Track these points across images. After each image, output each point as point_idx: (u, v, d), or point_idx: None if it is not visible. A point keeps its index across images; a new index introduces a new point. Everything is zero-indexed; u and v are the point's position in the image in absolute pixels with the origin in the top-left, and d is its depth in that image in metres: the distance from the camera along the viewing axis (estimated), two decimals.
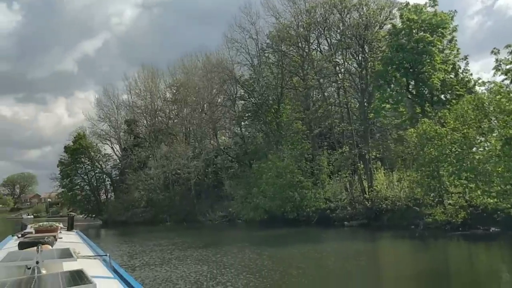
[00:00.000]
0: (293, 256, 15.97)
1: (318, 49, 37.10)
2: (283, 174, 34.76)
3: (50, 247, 4.22)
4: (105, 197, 62.04)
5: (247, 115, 44.51)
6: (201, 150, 49.70)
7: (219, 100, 49.35)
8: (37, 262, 2.97)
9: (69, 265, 3.20)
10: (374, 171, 32.00)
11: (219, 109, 49.39)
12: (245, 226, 36.76)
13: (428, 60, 29.52)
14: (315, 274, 12.16)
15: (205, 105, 50.00)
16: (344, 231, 28.15)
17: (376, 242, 22.82)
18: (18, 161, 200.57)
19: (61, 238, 5.79)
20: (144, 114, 58.69)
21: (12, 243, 5.56)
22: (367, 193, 30.80)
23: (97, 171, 61.11)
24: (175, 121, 57.35)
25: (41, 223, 6.71)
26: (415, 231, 23.42)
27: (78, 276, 2.39)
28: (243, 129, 46.77)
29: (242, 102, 45.52)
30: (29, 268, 3.03)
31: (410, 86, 31.88)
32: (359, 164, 31.83)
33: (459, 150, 23.74)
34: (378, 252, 18.89)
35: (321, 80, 36.96)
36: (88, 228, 47.54)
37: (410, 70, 30.87)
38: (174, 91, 55.78)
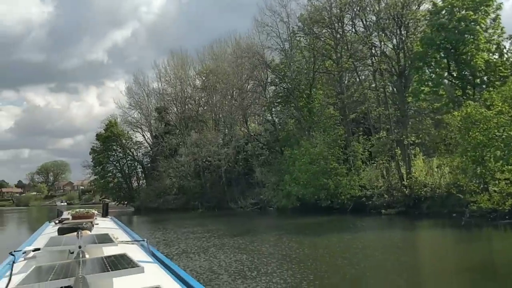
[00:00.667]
0: (334, 245, 15.25)
1: (353, 29, 35.75)
2: (317, 160, 33.90)
3: (89, 232, 4.25)
4: (136, 184, 62.72)
5: (278, 101, 43.64)
6: (231, 137, 49.26)
7: (249, 86, 48.62)
8: (79, 247, 3.01)
9: (109, 250, 3.24)
10: (412, 157, 30.79)
11: (249, 95, 48.67)
12: (277, 213, 36.22)
13: (471, 40, 27.98)
14: (362, 264, 11.39)
15: (235, 91, 49.39)
16: (382, 219, 27.19)
17: (418, 231, 21.82)
18: (52, 149, 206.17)
19: (97, 224, 5.87)
20: (174, 102, 58.68)
21: (50, 229, 5.61)
22: (405, 180, 29.63)
23: (128, 158, 61.74)
24: (205, 108, 57.13)
25: (77, 210, 6.91)
26: (458, 219, 22.27)
27: (123, 260, 2.40)
28: (274, 115, 45.94)
29: (273, 87, 44.62)
30: (72, 253, 3.07)
31: (451, 68, 30.37)
32: (396, 150, 30.61)
33: (507, 134, 22.33)
34: (422, 242, 17.95)
35: (356, 63, 35.68)
36: (120, 214, 47.93)
37: (452, 50, 29.35)
38: (204, 78, 55.40)
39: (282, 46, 41.79)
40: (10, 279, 2.54)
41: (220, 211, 41.83)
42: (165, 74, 58.66)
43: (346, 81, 39.10)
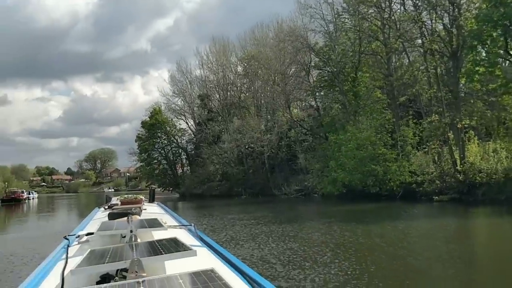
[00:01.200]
0: (389, 234, 14.51)
1: (402, 8, 34.13)
2: (364, 146, 32.89)
3: (138, 217, 4.33)
4: (181, 170, 63.57)
5: (322, 85, 42.58)
6: (274, 123, 48.76)
7: (292, 70, 47.78)
8: (131, 231, 3.06)
9: (159, 234, 3.28)
10: (466, 141, 29.23)
11: (292, 81, 47.87)
12: (322, 200, 35.58)
13: None
14: (424, 255, 10.66)
15: (277, 76, 48.67)
16: (434, 206, 26.02)
17: (476, 219, 20.62)
18: (99, 137, 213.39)
19: (145, 209, 5.94)
20: (217, 88, 58.75)
21: (101, 214, 5.74)
22: (458, 165, 28.20)
23: (173, 145, 62.63)
24: (247, 94, 56.86)
25: (125, 196, 7.10)
26: None
27: (175, 244, 2.45)
28: (317, 100, 44.97)
29: (317, 71, 43.56)
30: (124, 237, 3.14)
31: (509, 47, 28.39)
32: (449, 134, 29.13)
33: None
34: (482, 230, 16.87)
35: (405, 44, 34.11)
36: (166, 200, 48.68)
37: (510, 27, 27.39)
38: (245, 64, 54.94)
39: (326, 28, 40.60)
40: (66, 262, 2.62)
41: (264, 197, 41.59)
42: (207, 61, 58.82)
43: (394, 63, 37.57)
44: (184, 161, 64.29)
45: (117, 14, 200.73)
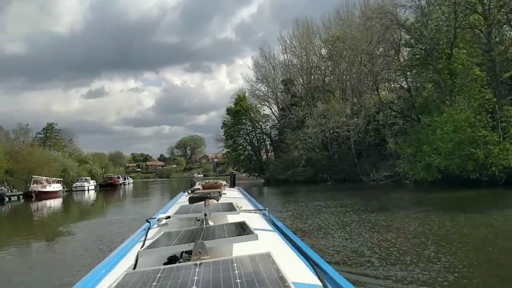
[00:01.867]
0: (499, 224, 12.72)
1: None
2: (462, 128, 30.14)
3: (215, 201, 4.56)
4: (265, 156, 63.70)
5: (413, 64, 39.72)
6: (361, 106, 46.80)
7: (380, 50, 45.21)
8: (205, 215, 3.23)
9: (232, 218, 3.39)
10: None
11: (380, 61, 45.35)
12: (414, 187, 33.36)
13: None
14: None
15: (364, 57, 46.43)
16: None
17: None
18: (189, 125, 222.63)
19: (225, 193, 6.27)
20: (300, 73, 57.72)
21: (183, 198, 6.23)
22: None
23: (257, 131, 62.87)
24: (332, 77, 55.14)
25: (207, 181, 7.56)
26: None
27: (241, 227, 2.52)
28: (409, 80, 42.15)
29: (408, 50, 40.72)
30: (199, 220, 3.30)
31: None
32: None
33: None
34: None
35: (509, 15, 30.55)
36: (251, 186, 48.99)
37: None
38: (330, 46, 53.14)
39: (417, 3, 37.64)
40: (144, 243, 2.82)
41: (351, 184, 40.06)
42: (290, 45, 57.92)
43: (495, 37, 33.92)
44: (268, 146, 64.35)
45: (202, 4, 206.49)
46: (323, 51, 55.59)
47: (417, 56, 38.49)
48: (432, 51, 36.36)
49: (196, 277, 1.61)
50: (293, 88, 58.22)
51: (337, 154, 48.48)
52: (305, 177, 49.05)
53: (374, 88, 45.31)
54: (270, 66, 60.32)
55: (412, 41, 38.67)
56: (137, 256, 2.27)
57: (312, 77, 57.02)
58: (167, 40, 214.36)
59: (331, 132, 49.17)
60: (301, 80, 58.27)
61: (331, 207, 19.84)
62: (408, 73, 41.20)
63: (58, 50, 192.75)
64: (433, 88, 38.07)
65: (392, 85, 47.32)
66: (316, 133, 48.82)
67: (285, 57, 59.42)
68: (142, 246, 2.69)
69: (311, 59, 56.53)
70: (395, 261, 8.20)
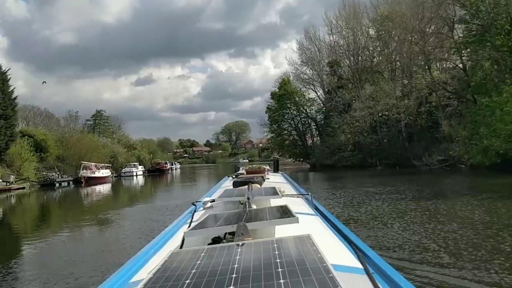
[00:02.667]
0: None
1: None
2: None
3: (259, 186, 4.63)
4: (311, 141, 62.49)
5: (469, 41, 37.25)
6: (412, 87, 44.64)
7: (432, 28, 42.76)
8: (248, 198, 3.34)
9: (275, 202, 3.46)
10: None
11: (432, 39, 42.97)
12: (471, 172, 31.47)
13: None
14: None
15: (415, 36, 44.13)
16: None
17: None
18: (234, 111, 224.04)
19: (268, 178, 6.32)
20: (347, 54, 55.84)
21: (228, 183, 6.38)
22: None
23: (302, 115, 61.65)
24: (380, 58, 52.99)
25: (250, 166, 7.68)
26: None
27: (283, 210, 2.58)
28: (464, 58, 39.63)
29: (463, 26, 38.19)
30: (242, 203, 3.44)
31: None
32: None
33: None
34: None
35: None
36: (296, 171, 48.20)
37: None
38: (378, 25, 50.91)
39: None
40: (190, 225, 3.00)
41: (402, 169, 38.40)
42: (336, 26, 56.00)
43: None
44: (313, 131, 63.02)
45: None
46: (371, 31, 53.43)
47: (473, 33, 36.03)
48: (490, 27, 33.89)
49: (238, 257, 1.66)
50: (339, 70, 56.48)
51: (386, 138, 46.68)
52: (353, 162, 47.62)
53: (426, 68, 43.05)
54: (315, 48, 58.74)
55: (468, 17, 36.23)
56: (183, 237, 2.38)
57: (360, 58, 55.06)
58: (212, 27, 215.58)
59: (380, 115, 47.40)
60: (347, 62, 56.41)
61: (383, 193, 18.75)
62: (463, 51, 38.70)
63: (107, 39, 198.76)
64: (491, 66, 35.64)
65: (445, 65, 44.76)
66: (364, 116, 47.17)
67: (331, 39, 57.68)
68: (188, 228, 2.80)
69: (358, 39, 54.51)
70: (467, 257, 7.20)
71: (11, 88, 43.24)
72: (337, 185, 25.82)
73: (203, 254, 1.78)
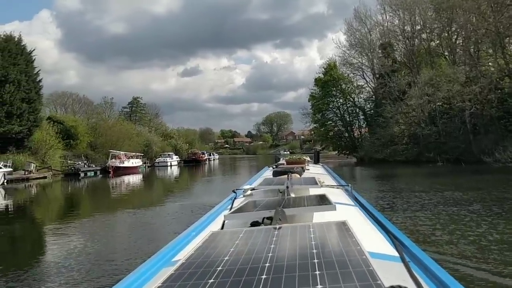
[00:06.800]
0: None
1: None
2: None
3: (298, 176, 4.75)
4: (358, 132, 56.97)
5: None
6: (479, 72, 38.49)
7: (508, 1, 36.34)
8: (287, 187, 3.53)
9: (313, 191, 3.61)
10: None
11: (506, 16, 36.56)
12: None
13: None
14: None
15: (486, 9, 37.80)
16: None
17: None
18: (277, 103, 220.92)
19: (308, 169, 6.55)
20: (403, 34, 49.82)
21: (268, 172, 6.47)
22: None
23: (349, 104, 56.26)
24: (442, 37, 46.72)
25: (291, 156, 8.47)
26: None
27: (321, 199, 2.65)
28: None
29: None
30: (281, 192, 3.54)
31: None
32: None
33: None
34: None
35: None
36: (341, 165, 43.30)
37: None
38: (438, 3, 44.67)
39: None
40: (230, 210, 2.95)
41: (468, 165, 32.56)
42: (390, 3, 49.87)
43: None
44: (361, 122, 57.41)
45: None
46: (429, 12, 47.16)
47: None
48: None
49: (275, 238, 1.72)
50: (393, 53, 50.60)
51: (447, 130, 40.74)
52: (407, 156, 42.06)
53: (498, 48, 36.76)
54: (366, 29, 52.92)
55: None
56: (224, 220, 2.47)
57: (416, 40, 48.98)
58: (259, 17, 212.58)
59: (440, 103, 41.50)
60: (403, 44, 50.43)
61: (450, 198, 13.86)
62: None
63: (157, 30, 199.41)
64: None
65: None
66: (421, 105, 41.45)
67: (384, 17, 51.74)
68: (228, 212, 2.77)
69: (416, 18, 48.38)
70: None
71: (36, 70, 40.60)
72: (387, 185, 20.82)
73: (241, 235, 1.85)
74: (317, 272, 1.26)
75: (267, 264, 1.36)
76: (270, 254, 1.47)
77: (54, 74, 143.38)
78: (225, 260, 1.45)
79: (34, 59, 40.66)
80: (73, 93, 71.40)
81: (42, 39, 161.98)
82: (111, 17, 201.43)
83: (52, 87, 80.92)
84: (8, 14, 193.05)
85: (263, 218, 2.31)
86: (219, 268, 1.40)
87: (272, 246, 1.58)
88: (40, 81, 41.13)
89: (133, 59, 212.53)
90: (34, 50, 41.14)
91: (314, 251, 1.45)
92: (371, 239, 2.04)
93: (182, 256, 1.89)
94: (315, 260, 1.35)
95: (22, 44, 39.70)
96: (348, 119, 56.88)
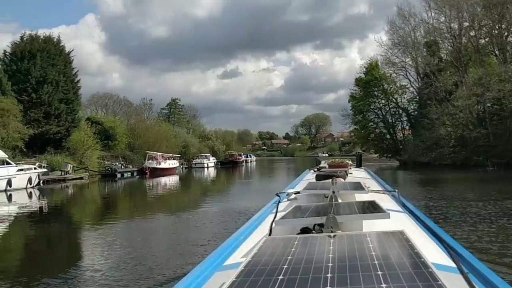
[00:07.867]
0: None
1: None
2: None
3: (342, 180, 4.51)
4: (401, 135, 54.77)
5: None
6: None
7: None
8: (333, 192, 3.31)
9: (360, 197, 3.48)
10: None
11: None
12: None
13: None
14: None
15: None
16: None
17: None
18: (316, 104, 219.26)
19: (351, 173, 6.07)
20: (449, 33, 47.51)
21: (309, 176, 6.34)
22: None
23: (391, 105, 54.23)
24: (493, 34, 44.22)
25: (333, 159, 7.72)
26: None
27: (372, 206, 2.53)
28: None
29: None
30: (327, 197, 3.39)
31: None
32: None
33: None
34: None
35: None
36: (382, 169, 41.58)
37: None
38: None
39: None
40: (276, 215, 2.91)
41: None
42: (436, 0, 47.66)
43: None
44: (404, 123, 55.20)
45: None
46: (478, 8, 44.69)
47: None
48: None
49: (331, 247, 1.68)
50: (439, 52, 48.27)
51: (498, 132, 38.36)
52: (454, 160, 39.93)
53: None
54: (410, 26, 50.83)
55: None
56: (272, 225, 2.44)
57: (464, 38, 46.54)
58: (298, 18, 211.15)
59: (490, 104, 39.16)
60: (449, 42, 48.06)
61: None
62: None
63: (198, 32, 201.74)
64: None
65: None
66: (469, 106, 39.28)
67: (429, 15, 49.50)
68: (274, 218, 2.75)
69: (463, 15, 45.99)
70: None
71: (74, 71, 41.09)
72: (433, 192, 19.33)
73: (296, 242, 1.82)
74: (384, 285, 1.21)
75: (329, 275, 1.34)
76: (330, 264, 1.44)
77: (98, 77, 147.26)
78: (285, 269, 1.43)
79: (73, 60, 41.23)
80: (113, 94, 72.52)
81: (87, 43, 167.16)
82: (153, 21, 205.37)
83: (97, 89, 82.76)
84: (55, 19, 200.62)
85: (314, 225, 2.28)
86: (280, 277, 1.36)
87: (331, 255, 1.55)
88: (78, 81, 41.66)
89: (175, 61, 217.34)
90: (72, 50, 41.75)
91: (376, 262, 1.41)
92: (427, 250, 1.91)
93: (234, 260, 1.99)
94: (379, 272, 1.30)
95: (61, 45, 40.28)
96: (390, 120, 54.89)
